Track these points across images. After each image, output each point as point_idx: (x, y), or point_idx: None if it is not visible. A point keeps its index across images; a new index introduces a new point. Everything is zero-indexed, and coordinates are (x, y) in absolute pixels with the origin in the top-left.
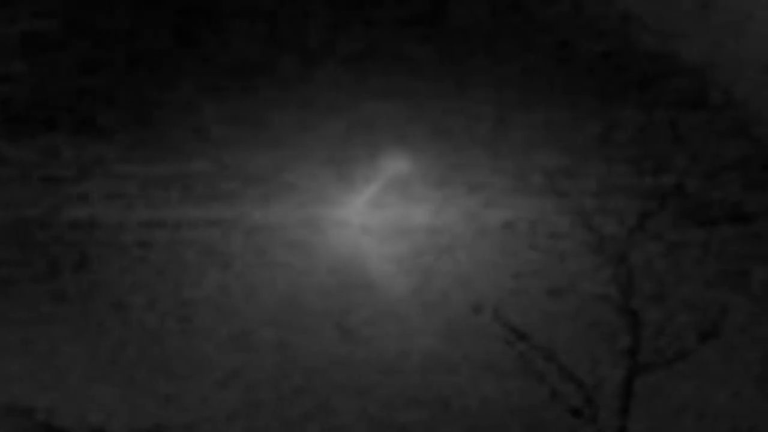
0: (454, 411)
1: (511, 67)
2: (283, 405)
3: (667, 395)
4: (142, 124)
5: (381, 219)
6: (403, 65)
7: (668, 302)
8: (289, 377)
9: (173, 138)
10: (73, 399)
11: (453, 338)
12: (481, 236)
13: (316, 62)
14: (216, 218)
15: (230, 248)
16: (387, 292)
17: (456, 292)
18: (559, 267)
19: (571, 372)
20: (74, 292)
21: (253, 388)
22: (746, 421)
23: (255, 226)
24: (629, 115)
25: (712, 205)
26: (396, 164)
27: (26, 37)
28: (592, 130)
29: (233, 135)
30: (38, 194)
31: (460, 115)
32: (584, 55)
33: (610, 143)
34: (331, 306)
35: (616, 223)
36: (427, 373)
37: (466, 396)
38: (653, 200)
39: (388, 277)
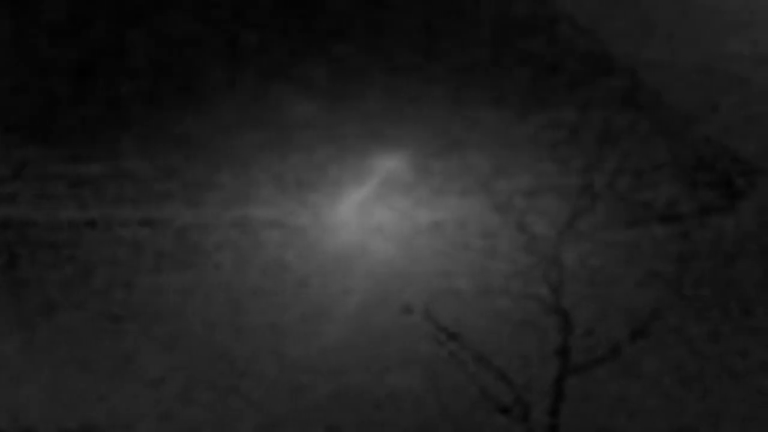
0: (386, 410)
1: (442, 66)
2: (215, 404)
3: (597, 394)
4: (75, 124)
5: (312, 219)
6: (335, 65)
7: (599, 302)
8: (224, 376)
9: (106, 138)
10: (3, 399)
11: (384, 338)
12: (412, 236)
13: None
14: (148, 218)
15: (162, 248)
16: (319, 291)
17: (387, 291)
18: (490, 267)
19: (501, 371)
20: (3, 292)
21: (186, 388)
22: (676, 421)
23: (186, 225)
24: (561, 115)
25: (643, 205)
26: (327, 165)
27: None
28: (523, 130)
29: (167, 137)
30: None
31: (389, 114)
32: (516, 55)
33: (542, 143)
34: (264, 305)
35: (547, 223)
36: (359, 373)
37: (398, 395)
38: (584, 200)
39: (320, 276)
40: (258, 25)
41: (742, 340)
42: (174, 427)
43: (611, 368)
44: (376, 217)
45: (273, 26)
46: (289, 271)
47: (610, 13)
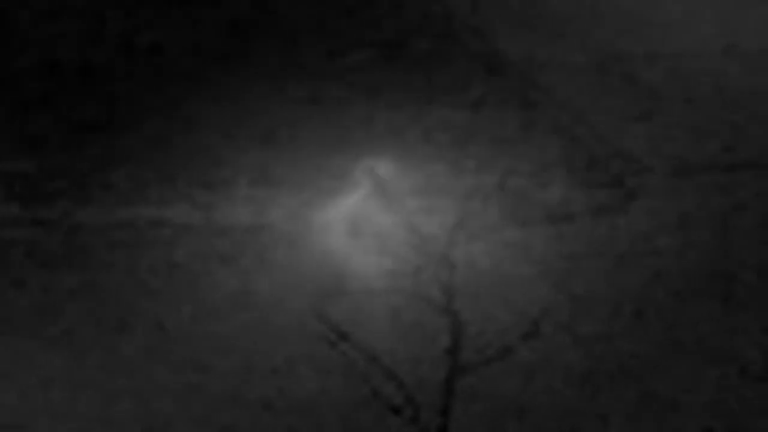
0: (276, 411)
1: (334, 66)
2: (105, 404)
3: (488, 394)
4: None
5: (203, 219)
6: (229, 66)
7: (490, 302)
8: (113, 378)
9: None
10: None
11: (276, 339)
12: (303, 236)
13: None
14: (38, 218)
15: (53, 248)
16: (208, 292)
17: (278, 292)
18: (381, 267)
19: (392, 371)
20: None
21: (77, 387)
22: (566, 421)
23: (77, 225)
24: (452, 114)
25: (535, 205)
26: (220, 165)
27: None
28: (415, 129)
29: (56, 136)
30: None
31: (283, 113)
32: (407, 54)
33: (433, 142)
34: (152, 306)
35: (438, 223)
36: (250, 373)
37: (288, 396)
38: (475, 200)
39: (210, 276)
40: (153, 22)
41: (632, 340)
42: (65, 427)
43: (502, 368)
44: (267, 217)
45: (169, 24)
46: (180, 271)
47: (504, 13)
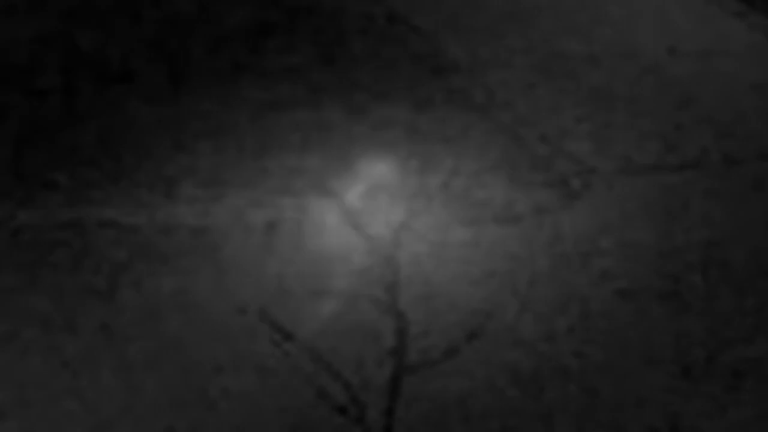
0: (220, 411)
1: (276, 67)
2: (49, 405)
3: (432, 394)
4: None
5: (147, 219)
6: (173, 66)
7: (435, 302)
8: (57, 377)
9: None
10: None
11: (219, 339)
12: (247, 236)
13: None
14: None
15: None
16: (153, 292)
17: (221, 292)
18: (325, 267)
19: (337, 372)
20: None
21: (21, 388)
22: (511, 421)
23: (21, 225)
24: (396, 115)
25: (479, 205)
26: (162, 165)
27: None
28: (359, 129)
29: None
30: None
31: (226, 114)
32: (350, 54)
33: (378, 142)
34: (97, 306)
35: (382, 223)
36: (193, 373)
37: (232, 397)
38: (420, 200)
39: (154, 276)
40: (93, 25)
41: (577, 340)
42: (8, 426)
43: (447, 368)
44: (211, 218)
45: (108, 27)
46: (124, 272)
47: (446, 14)
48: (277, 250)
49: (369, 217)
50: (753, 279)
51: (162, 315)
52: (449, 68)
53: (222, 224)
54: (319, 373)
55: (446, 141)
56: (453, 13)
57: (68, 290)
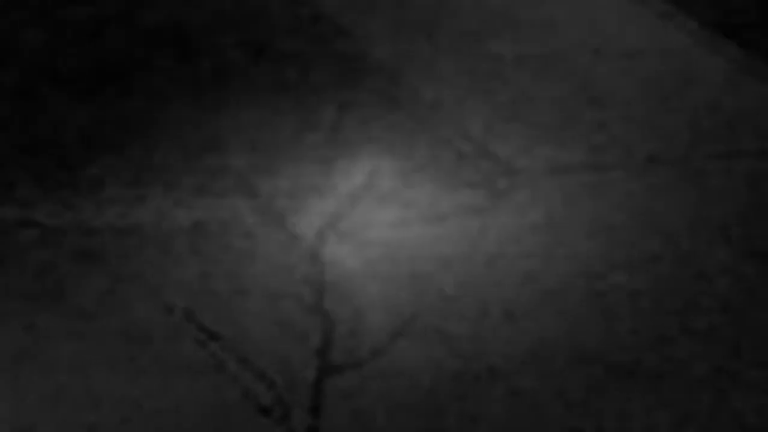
0: (144, 411)
1: (198, 67)
2: None
3: (358, 394)
4: None
5: (72, 219)
6: (93, 66)
7: (360, 302)
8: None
9: None
10: None
11: (144, 338)
12: (172, 236)
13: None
14: None
15: None
16: (78, 292)
17: (146, 292)
18: (250, 267)
19: (263, 372)
20: None
21: None
22: (435, 422)
23: None
24: (321, 115)
25: (404, 205)
26: (86, 166)
27: None
28: (285, 130)
29: None
30: None
31: (151, 113)
32: (276, 55)
33: (303, 142)
34: (22, 307)
35: (307, 224)
36: (117, 374)
37: (156, 396)
38: (344, 199)
39: (79, 277)
40: (23, 23)
41: (502, 341)
42: None
43: (373, 368)
44: (136, 217)
45: (38, 24)
46: (49, 272)
47: (371, 14)
48: (202, 250)
49: (294, 217)
50: (678, 280)
51: (87, 315)
52: (374, 68)
53: (147, 224)
54: (244, 373)
55: (371, 141)
56: (379, 14)
57: None
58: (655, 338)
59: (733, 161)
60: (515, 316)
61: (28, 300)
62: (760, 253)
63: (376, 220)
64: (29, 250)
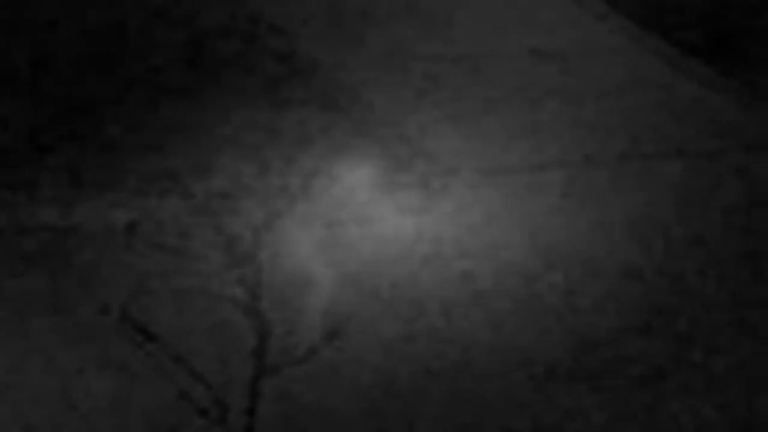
0: (81, 411)
1: (139, 67)
2: None
3: (294, 394)
4: None
5: (9, 220)
6: (32, 66)
7: (296, 303)
8: None
9: None
10: None
11: (81, 339)
12: (108, 236)
13: None
14: None
15: None
16: (13, 294)
17: (81, 292)
18: (186, 268)
19: (199, 373)
20: None
21: None
22: (372, 422)
23: None
24: (258, 116)
25: (339, 206)
26: (23, 165)
27: None
28: (221, 130)
29: None
30: None
31: (88, 115)
32: (213, 55)
33: (239, 144)
34: None
35: (244, 224)
36: (53, 374)
37: (94, 397)
38: (281, 200)
39: (17, 277)
40: None
41: (438, 341)
42: None
43: (308, 368)
44: (73, 218)
45: None
46: None
47: (308, 15)
48: (138, 251)
49: (231, 218)
50: (617, 279)
51: (25, 316)
52: (310, 69)
53: (84, 225)
54: (181, 374)
55: (307, 142)
56: (315, 15)
57: None
58: (591, 338)
59: (670, 160)
60: (451, 317)
61: None
62: (697, 252)
63: (312, 220)
64: None
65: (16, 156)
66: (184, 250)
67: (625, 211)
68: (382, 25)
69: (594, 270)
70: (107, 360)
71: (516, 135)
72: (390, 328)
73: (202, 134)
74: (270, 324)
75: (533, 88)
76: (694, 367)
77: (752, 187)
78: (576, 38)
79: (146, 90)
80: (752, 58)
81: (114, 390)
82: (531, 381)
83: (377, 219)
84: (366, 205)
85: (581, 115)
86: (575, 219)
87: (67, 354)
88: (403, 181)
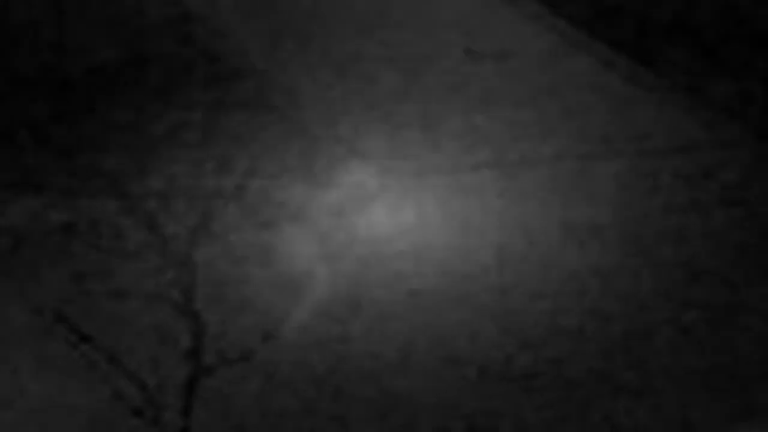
0: (16, 411)
1: (77, 67)
2: None
3: (230, 395)
4: None
5: None
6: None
7: (231, 304)
8: None
9: None
10: None
11: (16, 339)
12: (44, 237)
13: None
14: None
15: None
16: None
17: (18, 293)
18: (121, 268)
19: (134, 373)
20: None
21: None
22: (307, 422)
23: None
24: (193, 116)
25: (276, 206)
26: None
27: None
28: (156, 130)
29: None
30: None
31: (20, 114)
32: (147, 55)
33: (174, 144)
34: None
35: (179, 225)
36: None
37: (29, 397)
38: (216, 200)
39: None
40: None
41: (372, 342)
42: None
43: (244, 369)
44: (7, 219)
45: None
46: None
47: (244, 16)
48: (73, 251)
49: (165, 218)
50: (546, 282)
51: None
52: (246, 69)
53: (19, 225)
54: (115, 375)
55: (243, 142)
56: (250, 14)
57: None
58: (525, 339)
59: (605, 160)
60: (386, 317)
61: None
62: (633, 256)
63: (247, 221)
64: None
65: None
66: (119, 250)
67: (559, 213)
68: (322, 25)
69: (529, 270)
70: (42, 360)
71: (450, 135)
72: (325, 329)
73: (136, 134)
74: (205, 324)
75: (468, 89)
76: (631, 367)
77: (689, 187)
78: (510, 38)
79: (80, 91)
80: (687, 58)
81: (48, 390)
82: (465, 381)
83: (313, 219)
84: (302, 204)
85: (516, 116)
86: (510, 219)
87: (2, 355)
88: (338, 182)
